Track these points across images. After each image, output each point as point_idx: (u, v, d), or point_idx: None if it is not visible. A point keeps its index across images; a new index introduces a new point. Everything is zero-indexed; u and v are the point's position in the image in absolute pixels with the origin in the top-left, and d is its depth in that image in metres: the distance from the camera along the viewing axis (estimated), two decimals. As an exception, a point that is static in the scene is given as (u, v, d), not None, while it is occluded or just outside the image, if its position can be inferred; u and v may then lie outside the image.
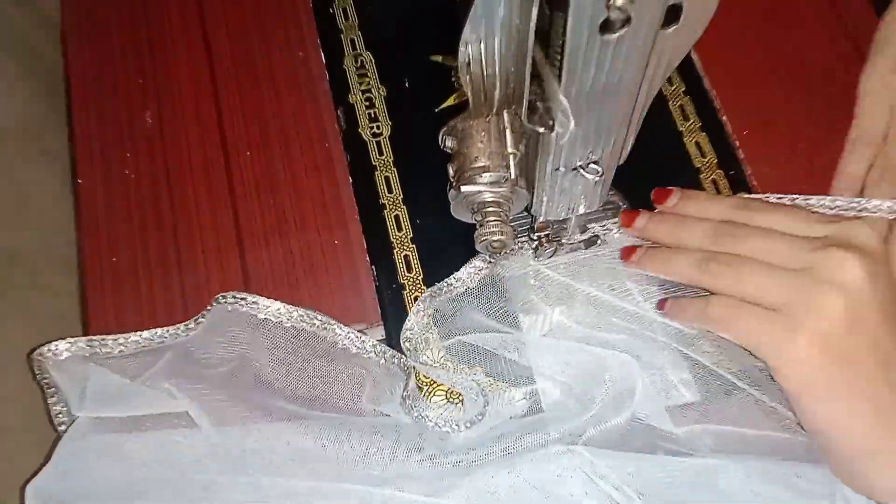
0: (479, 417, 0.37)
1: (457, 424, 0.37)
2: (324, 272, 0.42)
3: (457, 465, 0.35)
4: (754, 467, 0.33)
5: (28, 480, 0.35)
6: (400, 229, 0.42)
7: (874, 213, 0.35)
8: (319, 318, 0.39)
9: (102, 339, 0.38)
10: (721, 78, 0.46)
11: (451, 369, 0.38)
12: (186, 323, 0.39)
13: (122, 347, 0.38)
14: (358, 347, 0.38)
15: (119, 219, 0.44)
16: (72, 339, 0.38)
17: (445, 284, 0.40)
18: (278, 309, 0.38)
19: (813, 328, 0.31)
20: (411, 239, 0.42)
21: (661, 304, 0.38)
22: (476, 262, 0.40)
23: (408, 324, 0.39)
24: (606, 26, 0.24)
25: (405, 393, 0.37)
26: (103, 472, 0.35)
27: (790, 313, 0.31)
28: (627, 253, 0.39)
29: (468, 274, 0.40)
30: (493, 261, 0.40)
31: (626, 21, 0.24)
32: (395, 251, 0.42)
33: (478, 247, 0.37)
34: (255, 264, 0.42)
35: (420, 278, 0.41)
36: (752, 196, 0.40)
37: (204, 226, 0.43)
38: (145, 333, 0.39)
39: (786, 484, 0.33)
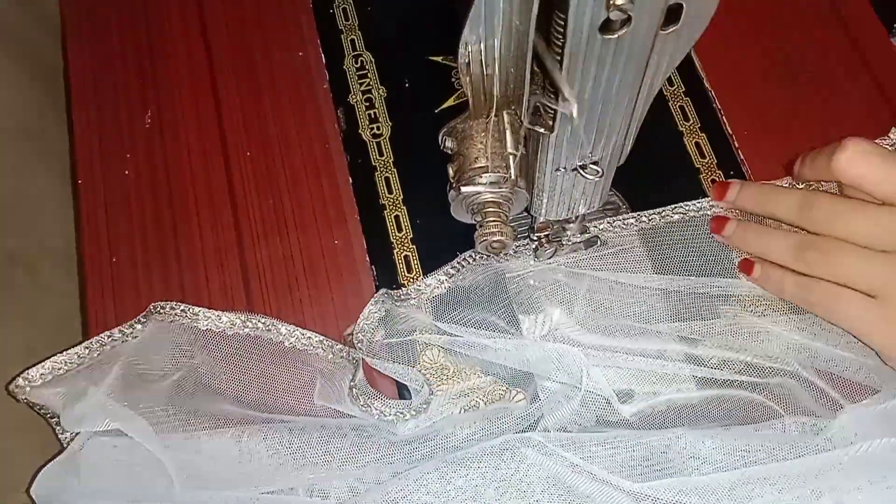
0: (424, 406, 0.37)
1: (402, 413, 0.37)
2: (324, 272, 0.42)
3: (411, 456, 0.36)
4: (708, 433, 0.34)
5: (32, 478, 0.35)
6: (400, 230, 0.42)
7: None
8: (262, 320, 0.39)
9: (55, 361, 0.37)
10: (721, 78, 0.45)
11: (397, 361, 0.38)
12: (122, 328, 0.38)
13: (65, 366, 0.37)
14: (304, 344, 0.38)
15: (119, 219, 0.44)
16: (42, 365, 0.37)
17: (414, 290, 0.40)
18: (219, 317, 0.38)
19: None
20: (411, 239, 0.42)
21: (745, 267, 0.38)
22: (444, 271, 0.40)
23: (363, 319, 0.39)
24: (606, 26, 0.24)
25: (352, 383, 0.37)
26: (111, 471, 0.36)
27: (886, 300, 0.32)
28: (719, 225, 0.39)
29: (437, 281, 0.40)
30: (460, 268, 0.40)
31: (626, 21, 0.24)
32: (395, 251, 0.42)
33: (478, 247, 0.37)
34: (255, 264, 0.42)
35: (420, 278, 0.41)
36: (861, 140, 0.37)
37: (204, 226, 0.43)
38: (85, 344, 0.38)
39: (747, 436, 0.34)
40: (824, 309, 0.35)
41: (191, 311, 0.39)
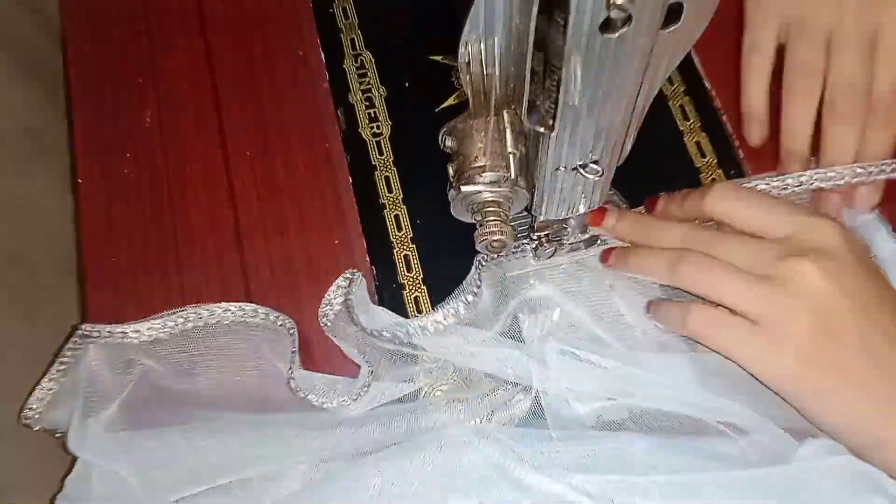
0: (364, 390, 0.37)
1: (342, 399, 0.37)
2: (324, 272, 0.42)
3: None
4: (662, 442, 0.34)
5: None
6: (400, 229, 0.42)
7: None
8: (194, 309, 0.39)
9: (40, 388, 0.37)
10: (721, 78, 0.45)
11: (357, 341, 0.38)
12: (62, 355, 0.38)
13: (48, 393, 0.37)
14: (239, 316, 0.38)
15: (119, 219, 0.44)
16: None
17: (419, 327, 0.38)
18: (148, 327, 0.38)
19: (794, 346, 0.31)
20: (411, 239, 0.42)
21: (648, 306, 0.38)
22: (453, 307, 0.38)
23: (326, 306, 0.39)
24: (607, 25, 0.24)
25: (291, 374, 0.37)
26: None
27: (768, 328, 0.32)
28: (605, 255, 0.39)
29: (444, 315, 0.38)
30: (468, 304, 0.38)
31: (627, 20, 0.24)
32: (395, 251, 0.42)
33: (478, 247, 0.37)
34: (255, 264, 0.42)
35: (420, 278, 0.41)
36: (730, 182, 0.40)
37: (204, 226, 0.43)
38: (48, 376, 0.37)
39: (695, 453, 0.34)
40: (705, 338, 0.34)
41: (117, 330, 0.38)
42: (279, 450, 0.36)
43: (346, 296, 0.38)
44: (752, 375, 0.32)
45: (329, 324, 0.39)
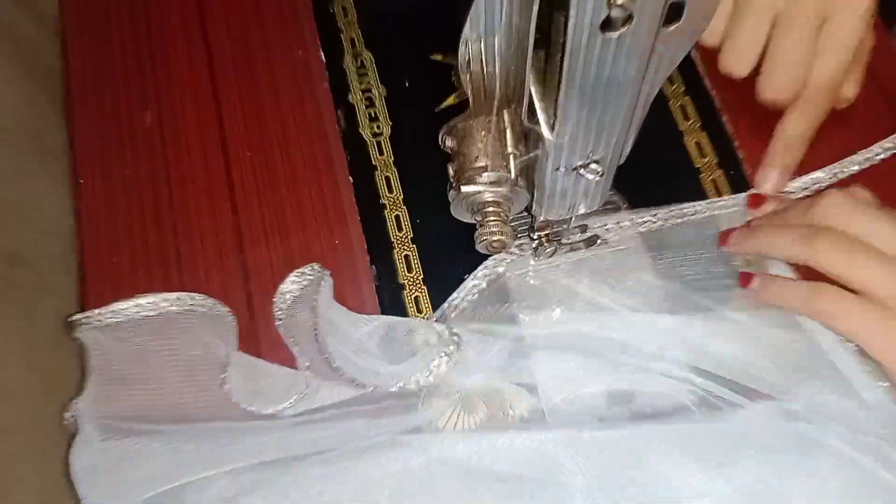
0: (300, 396, 0.37)
1: (279, 405, 0.37)
2: (324, 272, 0.42)
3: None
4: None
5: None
6: (400, 229, 0.42)
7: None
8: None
9: None
10: (721, 78, 0.45)
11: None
12: None
13: None
14: (178, 305, 0.39)
15: (119, 219, 0.44)
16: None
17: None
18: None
19: None
20: (411, 239, 0.42)
21: (744, 280, 0.37)
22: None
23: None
24: (607, 24, 0.24)
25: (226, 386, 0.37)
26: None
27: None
28: (724, 237, 0.39)
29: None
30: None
31: (628, 19, 0.24)
32: (395, 251, 0.42)
33: (478, 247, 0.37)
34: (255, 264, 0.42)
35: (420, 278, 0.41)
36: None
37: (204, 226, 0.43)
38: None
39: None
40: (832, 317, 0.32)
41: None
42: (214, 456, 0.36)
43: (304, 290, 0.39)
44: (880, 364, 0.32)
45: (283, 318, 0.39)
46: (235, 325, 0.40)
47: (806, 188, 0.42)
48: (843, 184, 0.42)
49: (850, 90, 0.40)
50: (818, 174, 0.42)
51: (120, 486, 0.35)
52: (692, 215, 0.41)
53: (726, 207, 0.42)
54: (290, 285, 0.39)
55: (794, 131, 0.38)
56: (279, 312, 0.39)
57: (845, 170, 0.43)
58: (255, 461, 0.36)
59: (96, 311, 0.39)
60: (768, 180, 0.40)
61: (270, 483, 0.35)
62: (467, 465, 0.34)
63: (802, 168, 0.41)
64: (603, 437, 0.33)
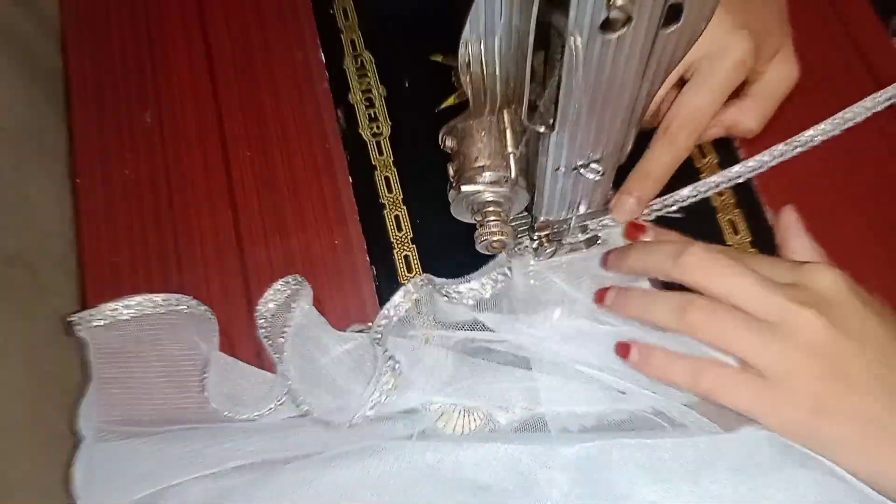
0: (279, 403, 0.37)
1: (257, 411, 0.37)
2: (324, 272, 0.42)
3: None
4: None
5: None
6: (400, 229, 0.42)
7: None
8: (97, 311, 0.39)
9: None
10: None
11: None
12: None
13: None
14: (149, 307, 0.39)
15: (119, 219, 0.44)
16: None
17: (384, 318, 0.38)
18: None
19: (807, 398, 0.31)
20: (411, 239, 0.42)
21: (622, 351, 0.36)
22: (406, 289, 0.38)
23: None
24: (607, 25, 0.24)
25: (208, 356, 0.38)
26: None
27: (780, 382, 0.31)
28: (601, 296, 0.38)
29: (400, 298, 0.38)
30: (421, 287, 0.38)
31: (627, 20, 0.24)
32: (395, 251, 0.42)
33: (478, 247, 0.37)
34: (255, 264, 0.42)
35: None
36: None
37: (204, 226, 0.43)
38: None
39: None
40: (717, 395, 0.33)
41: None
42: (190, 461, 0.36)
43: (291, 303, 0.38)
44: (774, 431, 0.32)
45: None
46: (216, 325, 0.39)
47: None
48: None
49: (751, 123, 0.41)
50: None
51: (110, 489, 0.35)
52: (686, 202, 0.42)
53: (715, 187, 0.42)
54: (269, 303, 0.39)
55: (652, 164, 0.38)
56: (260, 321, 0.39)
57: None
58: (235, 465, 0.36)
59: (87, 311, 0.39)
60: (623, 207, 0.39)
61: (248, 488, 0.35)
62: (446, 474, 0.34)
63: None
64: (578, 454, 0.33)
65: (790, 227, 0.39)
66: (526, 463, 0.34)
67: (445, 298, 0.38)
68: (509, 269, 0.38)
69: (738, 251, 0.36)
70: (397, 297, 0.37)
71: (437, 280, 0.38)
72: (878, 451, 0.31)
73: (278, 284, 0.40)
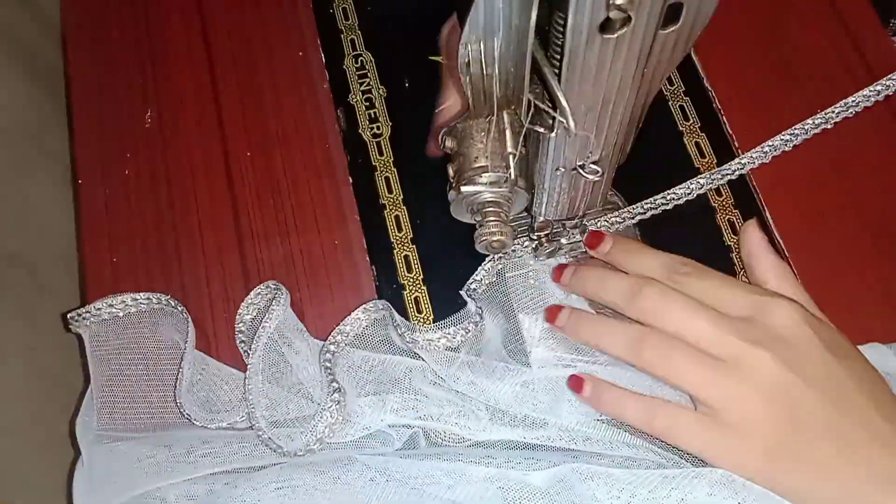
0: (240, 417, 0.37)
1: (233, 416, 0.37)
2: (324, 272, 0.42)
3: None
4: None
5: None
6: (400, 229, 0.42)
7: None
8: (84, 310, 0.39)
9: None
10: (721, 78, 0.45)
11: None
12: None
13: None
14: (134, 306, 0.39)
15: (119, 219, 0.44)
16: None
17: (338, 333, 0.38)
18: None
19: (760, 441, 0.31)
20: (411, 239, 0.42)
21: (575, 385, 0.35)
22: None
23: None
24: (606, 26, 0.24)
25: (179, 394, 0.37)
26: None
27: (733, 423, 0.31)
28: (553, 314, 0.37)
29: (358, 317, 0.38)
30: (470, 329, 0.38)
31: (626, 20, 0.24)
32: (395, 251, 0.42)
33: (478, 247, 0.37)
34: (255, 264, 0.42)
35: (420, 278, 0.41)
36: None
37: (204, 226, 0.43)
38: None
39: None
40: (670, 436, 0.33)
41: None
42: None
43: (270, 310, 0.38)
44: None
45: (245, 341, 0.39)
46: (192, 325, 0.39)
47: None
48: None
49: None
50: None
51: (100, 492, 0.35)
52: (682, 199, 0.42)
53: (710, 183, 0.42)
54: (246, 314, 0.40)
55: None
56: (240, 334, 0.39)
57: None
58: (214, 471, 0.36)
59: (81, 309, 0.39)
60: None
61: (224, 494, 0.35)
62: (420, 489, 0.34)
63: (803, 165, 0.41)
64: (547, 477, 0.33)
65: (753, 248, 0.38)
66: (493, 494, 0.33)
67: (400, 339, 0.38)
68: (480, 315, 0.38)
69: (701, 267, 0.35)
70: (357, 313, 0.38)
71: (398, 317, 0.38)
72: (829, 496, 0.30)
73: (257, 290, 0.40)
